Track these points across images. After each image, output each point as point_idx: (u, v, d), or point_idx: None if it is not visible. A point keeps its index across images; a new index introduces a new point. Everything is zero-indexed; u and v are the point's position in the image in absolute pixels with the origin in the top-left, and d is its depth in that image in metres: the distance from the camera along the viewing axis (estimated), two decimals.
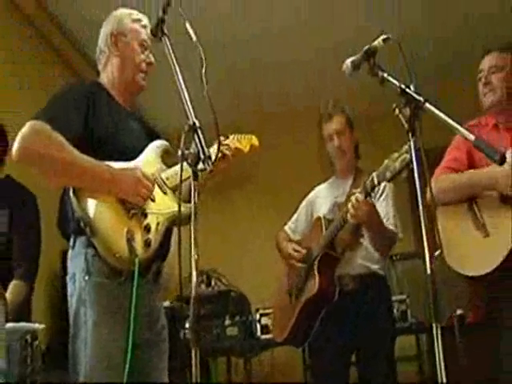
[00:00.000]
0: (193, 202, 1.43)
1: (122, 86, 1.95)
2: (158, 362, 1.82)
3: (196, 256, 1.36)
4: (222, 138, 1.93)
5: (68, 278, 1.77)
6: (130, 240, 1.64)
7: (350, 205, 2.21)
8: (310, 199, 2.77)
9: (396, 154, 1.96)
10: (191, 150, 1.49)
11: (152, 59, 1.98)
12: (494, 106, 2.35)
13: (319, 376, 2.56)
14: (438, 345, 1.37)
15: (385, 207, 2.45)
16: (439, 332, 1.38)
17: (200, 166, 1.47)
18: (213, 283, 4.15)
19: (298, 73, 4.70)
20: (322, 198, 2.70)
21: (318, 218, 2.56)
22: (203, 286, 4.20)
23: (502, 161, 1.41)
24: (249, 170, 4.32)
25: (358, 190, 2.22)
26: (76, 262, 1.73)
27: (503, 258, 2.08)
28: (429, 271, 1.38)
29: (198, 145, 1.48)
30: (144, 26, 1.98)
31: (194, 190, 1.45)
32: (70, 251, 1.78)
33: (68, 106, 1.77)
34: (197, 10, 3.74)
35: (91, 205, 1.67)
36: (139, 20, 1.99)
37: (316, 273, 2.39)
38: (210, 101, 1.46)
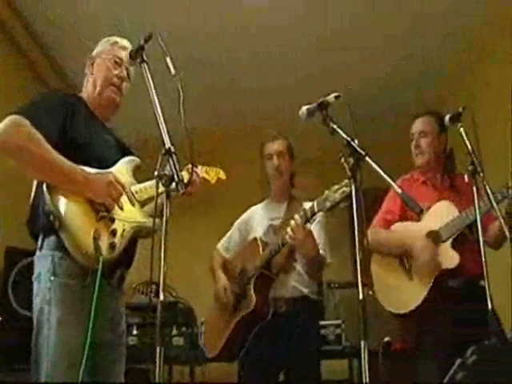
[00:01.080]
0: (165, 219, 1.58)
1: (96, 101, 2.10)
2: (118, 364, 1.93)
3: (165, 268, 1.52)
4: (189, 166, 2.10)
5: (34, 277, 1.85)
6: (96, 239, 1.77)
7: (289, 228, 2.38)
8: (245, 219, 2.89)
9: (336, 186, 2.19)
10: (166, 172, 1.65)
11: (125, 74, 2.13)
12: (423, 167, 2.71)
13: None
14: (364, 358, 1.55)
15: (317, 232, 2.59)
16: (366, 348, 1.56)
17: (173, 187, 1.62)
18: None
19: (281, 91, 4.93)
20: (257, 219, 2.82)
21: (255, 239, 2.67)
22: (152, 296, 4.29)
23: (420, 213, 1.72)
24: (224, 186, 4.46)
25: (298, 215, 2.39)
26: (43, 263, 1.82)
27: (421, 300, 2.44)
28: (361, 296, 1.59)
29: (173, 168, 1.64)
30: (121, 47, 2.15)
31: (167, 207, 1.60)
32: (37, 252, 1.86)
33: (45, 112, 1.87)
34: (188, 29, 3.99)
35: (63, 202, 1.78)
36: (116, 42, 2.17)
37: (252, 292, 2.52)
38: (186, 129, 1.60)
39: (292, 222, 2.38)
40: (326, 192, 2.24)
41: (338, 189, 2.16)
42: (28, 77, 4.40)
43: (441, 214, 2.53)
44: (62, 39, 4.25)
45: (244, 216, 2.91)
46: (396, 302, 2.55)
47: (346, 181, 2.07)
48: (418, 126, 2.75)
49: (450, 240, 2.48)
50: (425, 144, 2.69)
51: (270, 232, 2.70)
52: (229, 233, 2.92)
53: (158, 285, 4.78)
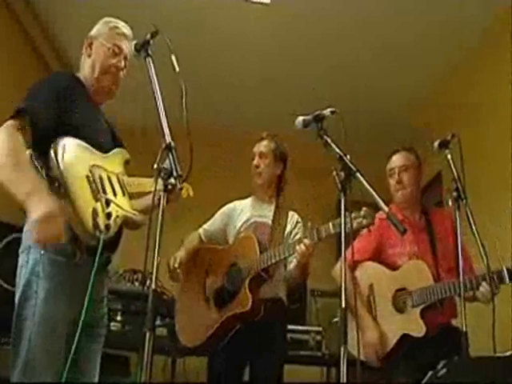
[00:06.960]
0: (161, 211, 1.64)
1: (94, 86, 2.12)
2: (95, 344, 1.99)
3: (159, 259, 1.58)
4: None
5: (21, 250, 1.88)
6: (94, 217, 1.83)
7: (300, 249, 2.36)
8: (227, 211, 2.91)
9: (354, 214, 2.15)
10: (165, 166, 1.70)
11: (122, 64, 2.15)
12: (403, 202, 2.74)
13: (213, 377, 2.69)
14: (343, 362, 1.63)
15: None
16: (345, 353, 1.65)
17: (172, 181, 1.67)
18: (148, 283, 4.27)
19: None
20: (238, 212, 2.85)
21: (251, 238, 2.66)
22: (136, 284, 4.33)
23: (404, 233, 1.79)
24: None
25: (310, 233, 2.36)
26: None
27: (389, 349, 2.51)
28: (343, 305, 1.68)
29: (172, 163, 1.69)
30: (120, 34, 2.16)
31: (164, 200, 1.66)
32: (27, 226, 1.83)
33: (43, 104, 1.88)
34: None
35: (68, 171, 1.83)
36: (115, 27, 2.17)
37: (247, 291, 2.52)
38: (188, 132, 1.66)
39: (306, 241, 2.37)
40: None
41: (356, 217, 2.14)
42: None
43: (413, 275, 2.55)
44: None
45: (227, 208, 2.94)
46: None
47: (364, 210, 2.11)
48: (398, 160, 2.75)
49: (420, 308, 2.49)
50: (407, 178, 2.71)
51: (251, 227, 2.74)
52: (211, 220, 2.94)
53: (143, 273, 4.78)
